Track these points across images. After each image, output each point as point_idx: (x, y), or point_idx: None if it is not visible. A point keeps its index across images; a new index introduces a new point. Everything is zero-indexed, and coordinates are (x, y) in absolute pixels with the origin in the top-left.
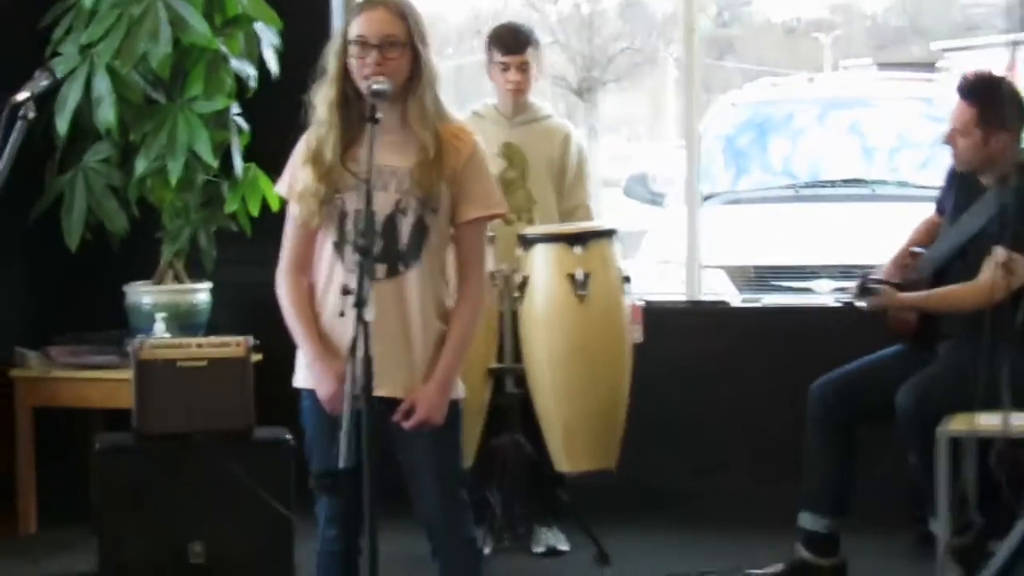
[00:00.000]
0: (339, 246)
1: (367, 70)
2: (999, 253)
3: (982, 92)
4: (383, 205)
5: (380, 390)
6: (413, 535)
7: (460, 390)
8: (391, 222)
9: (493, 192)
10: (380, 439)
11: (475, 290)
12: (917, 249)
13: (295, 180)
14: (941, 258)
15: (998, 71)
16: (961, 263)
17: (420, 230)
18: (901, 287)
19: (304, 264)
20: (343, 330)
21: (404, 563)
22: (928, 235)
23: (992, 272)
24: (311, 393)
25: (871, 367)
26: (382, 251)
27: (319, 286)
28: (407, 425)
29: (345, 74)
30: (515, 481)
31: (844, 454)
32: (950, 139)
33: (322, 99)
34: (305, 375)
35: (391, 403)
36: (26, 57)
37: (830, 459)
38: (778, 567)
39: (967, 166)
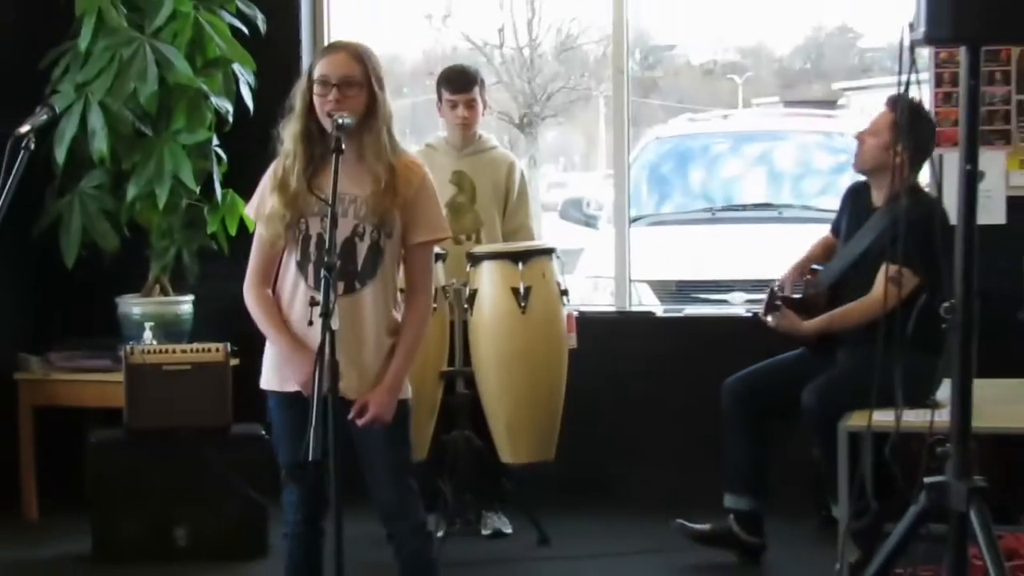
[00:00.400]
0: (302, 265)
1: (328, 106)
2: (890, 268)
3: (906, 107)
4: (342, 229)
5: (341, 392)
6: (371, 520)
7: (408, 391)
8: (350, 244)
9: (440, 219)
10: (343, 433)
11: (422, 305)
12: (816, 266)
13: (263, 204)
14: (837, 272)
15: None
16: (855, 275)
17: (375, 252)
18: (803, 301)
19: (267, 278)
20: (309, 337)
21: (363, 544)
22: (823, 251)
23: (883, 286)
24: (275, 394)
25: (777, 367)
26: (341, 270)
27: (284, 299)
28: (360, 423)
29: (310, 110)
30: (464, 472)
31: (756, 441)
32: (860, 137)
33: (289, 132)
34: (270, 377)
35: (346, 404)
36: (28, 95)
37: (744, 446)
38: (706, 526)
39: (864, 166)
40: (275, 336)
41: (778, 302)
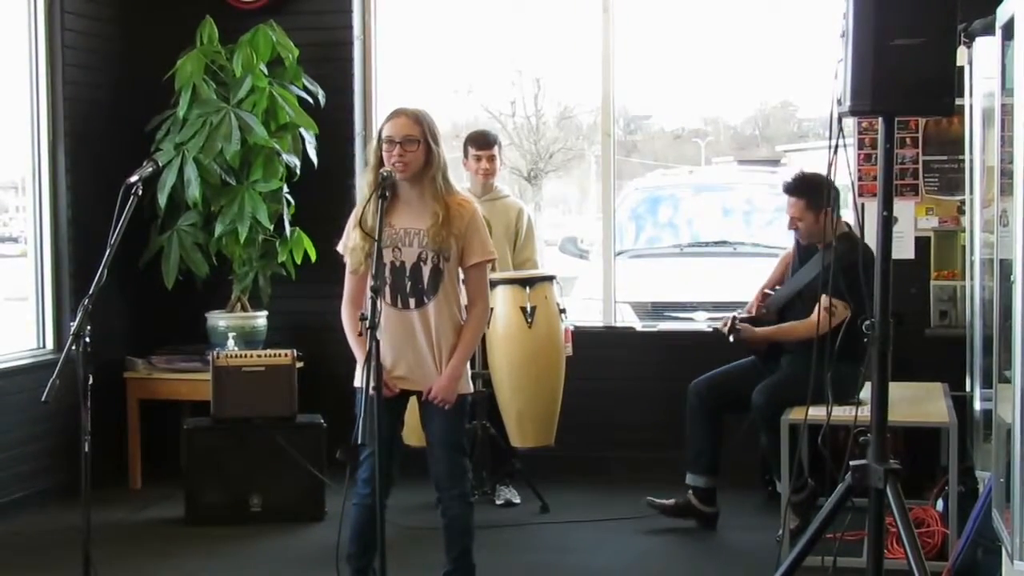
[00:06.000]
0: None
1: (393, 160)
2: (824, 300)
3: (804, 187)
4: (410, 256)
5: (414, 386)
6: (417, 491)
7: (467, 387)
8: (416, 268)
9: (487, 244)
10: (395, 423)
11: (479, 313)
12: (768, 291)
13: (348, 240)
14: (783, 300)
15: (810, 168)
16: (799, 303)
17: (436, 273)
18: (757, 321)
19: (358, 300)
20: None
21: (410, 511)
22: (783, 269)
23: (819, 313)
24: (361, 389)
25: (732, 371)
26: (412, 289)
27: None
28: (428, 398)
29: (380, 164)
30: (482, 453)
31: (713, 431)
32: (793, 226)
33: (365, 182)
34: (360, 377)
35: (411, 394)
36: (137, 152)
37: (703, 435)
38: (670, 501)
39: (810, 239)
40: (356, 349)
41: (738, 326)
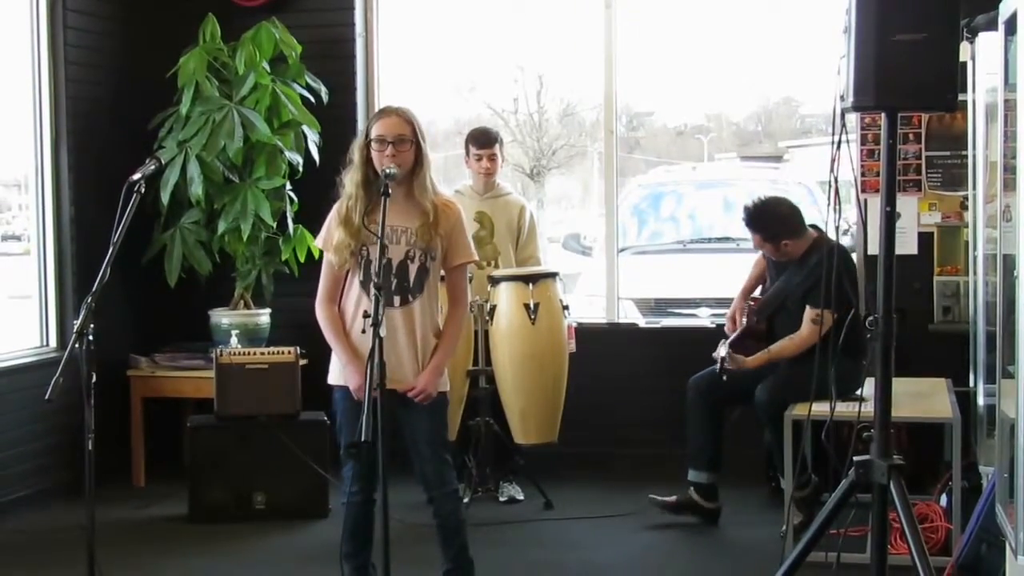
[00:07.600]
0: (364, 284)
1: (385, 160)
2: (811, 312)
3: (758, 220)
4: (397, 254)
5: (395, 384)
6: (412, 491)
7: (446, 385)
8: (403, 266)
9: (470, 246)
10: (390, 420)
11: (459, 313)
12: (756, 295)
13: (330, 237)
14: (769, 307)
15: (769, 194)
16: (784, 311)
17: (422, 272)
18: (748, 330)
19: (334, 296)
20: (366, 342)
21: (407, 509)
22: (759, 274)
23: (807, 326)
24: (340, 387)
25: None
26: (397, 287)
27: (348, 312)
28: (411, 394)
29: (367, 162)
30: (486, 450)
31: (714, 427)
32: (765, 256)
33: (351, 180)
34: (336, 374)
35: (398, 394)
36: (139, 150)
37: (704, 431)
38: (672, 498)
39: (780, 259)
40: (337, 347)
41: (728, 366)
